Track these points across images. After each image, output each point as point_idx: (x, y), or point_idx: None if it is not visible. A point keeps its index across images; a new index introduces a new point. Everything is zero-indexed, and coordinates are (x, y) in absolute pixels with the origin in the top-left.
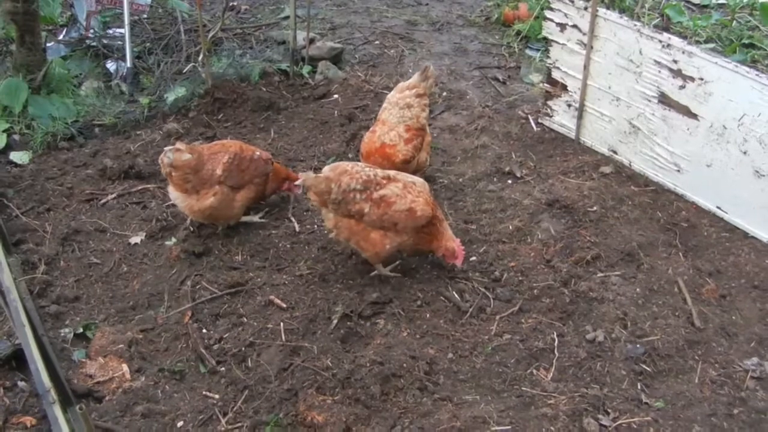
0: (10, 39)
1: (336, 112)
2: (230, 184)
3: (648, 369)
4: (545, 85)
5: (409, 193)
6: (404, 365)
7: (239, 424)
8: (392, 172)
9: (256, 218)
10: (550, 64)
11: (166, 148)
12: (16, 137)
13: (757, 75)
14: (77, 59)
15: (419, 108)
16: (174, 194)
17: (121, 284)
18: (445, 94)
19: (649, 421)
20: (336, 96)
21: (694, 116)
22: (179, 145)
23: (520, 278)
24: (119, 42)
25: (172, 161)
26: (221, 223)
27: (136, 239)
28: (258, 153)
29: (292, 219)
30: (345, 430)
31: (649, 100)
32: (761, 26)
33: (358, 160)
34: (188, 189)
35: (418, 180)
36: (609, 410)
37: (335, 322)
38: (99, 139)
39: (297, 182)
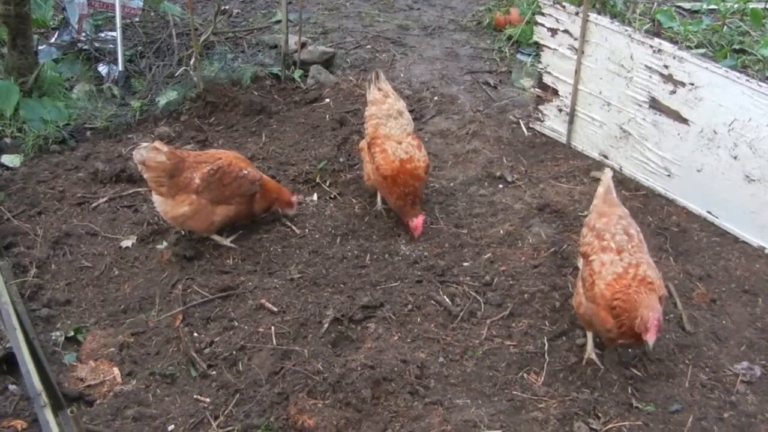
0: (1, 42)
1: (327, 116)
2: (208, 196)
3: (638, 373)
4: (536, 89)
5: None
6: (395, 369)
7: (230, 428)
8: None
9: (226, 242)
10: (541, 68)
11: (142, 144)
12: (8, 140)
13: (747, 80)
14: (69, 62)
15: (408, 114)
16: (153, 196)
17: (112, 288)
18: (436, 98)
19: (640, 425)
20: (327, 100)
21: (685, 121)
22: (158, 144)
23: (511, 282)
24: (111, 45)
25: (144, 159)
26: (195, 233)
27: (127, 243)
28: (246, 171)
29: (289, 223)
30: None
31: (640, 105)
32: (752, 31)
33: (350, 165)
34: (164, 192)
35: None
36: (599, 414)
37: (326, 326)
38: (90, 142)
39: None
